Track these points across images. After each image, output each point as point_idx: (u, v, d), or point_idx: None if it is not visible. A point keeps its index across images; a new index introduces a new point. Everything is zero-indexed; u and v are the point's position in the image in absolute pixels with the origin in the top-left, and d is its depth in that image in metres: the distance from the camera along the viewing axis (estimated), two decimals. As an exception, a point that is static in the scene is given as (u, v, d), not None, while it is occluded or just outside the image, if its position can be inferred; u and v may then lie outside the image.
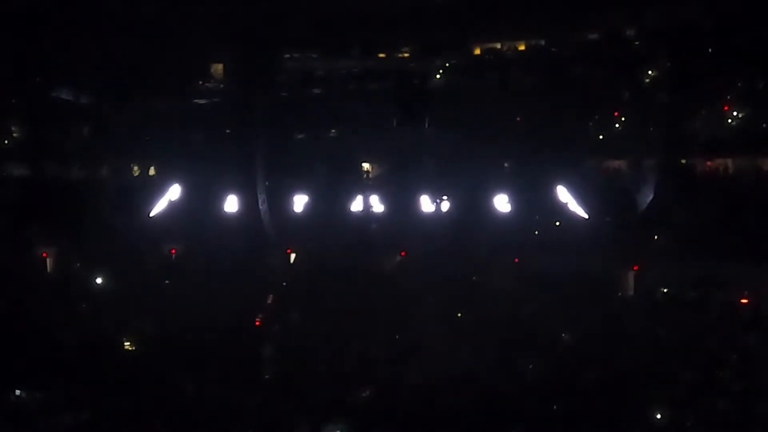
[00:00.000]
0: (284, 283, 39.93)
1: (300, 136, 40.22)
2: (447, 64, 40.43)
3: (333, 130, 39.81)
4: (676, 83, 38.08)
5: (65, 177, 40.81)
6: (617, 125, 39.23)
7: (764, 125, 37.55)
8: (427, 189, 38.22)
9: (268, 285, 39.73)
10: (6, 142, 41.37)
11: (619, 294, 38.63)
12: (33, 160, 41.00)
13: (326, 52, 40.52)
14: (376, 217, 39.13)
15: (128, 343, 37.65)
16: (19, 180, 40.99)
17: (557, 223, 38.78)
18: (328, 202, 39.10)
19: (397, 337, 38.14)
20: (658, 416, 32.55)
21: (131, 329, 37.75)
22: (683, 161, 38.41)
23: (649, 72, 38.86)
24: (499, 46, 40.94)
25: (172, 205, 38.56)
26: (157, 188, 38.90)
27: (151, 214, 38.38)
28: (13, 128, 41.39)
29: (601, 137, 39.30)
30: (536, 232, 39.27)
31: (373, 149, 40.46)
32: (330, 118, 39.89)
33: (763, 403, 31.94)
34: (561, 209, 38.30)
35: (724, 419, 32.18)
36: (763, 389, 32.55)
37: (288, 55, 40.80)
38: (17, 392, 34.75)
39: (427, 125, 39.08)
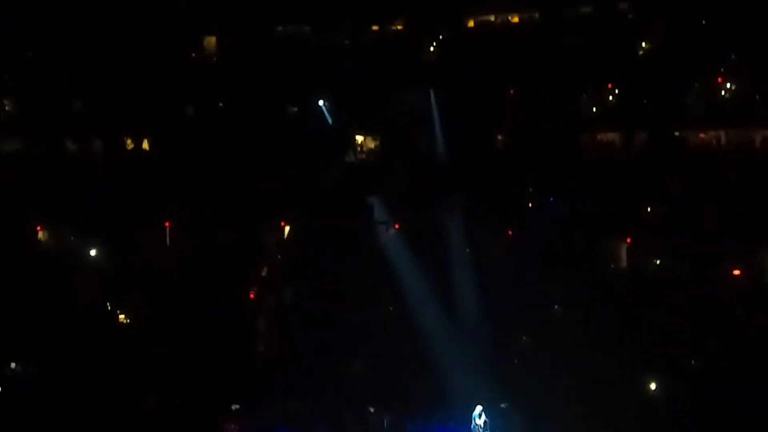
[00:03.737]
0: (279, 256, 40.00)
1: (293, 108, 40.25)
2: (440, 37, 40.45)
3: (325, 102, 39.70)
4: (669, 56, 38.07)
5: (59, 151, 40.76)
6: (611, 98, 39.27)
7: (758, 97, 37.53)
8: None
9: (262, 258, 39.84)
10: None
11: (612, 266, 38.78)
12: (26, 134, 40.94)
13: (319, 24, 40.49)
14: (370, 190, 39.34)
15: (123, 316, 37.79)
16: (12, 154, 40.95)
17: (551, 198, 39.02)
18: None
19: (391, 309, 38.37)
20: (652, 386, 32.65)
21: (126, 302, 37.86)
22: (676, 134, 38.42)
23: (643, 44, 38.86)
24: (492, 18, 40.85)
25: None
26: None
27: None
28: (5, 102, 41.32)
29: (594, 110, 39.34)
30: (529, 205, 39.43)
31: (366, 121, 40.53)
32: (322, 89, 39.80)
33: (753, 372, 32.13)
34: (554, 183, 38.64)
35: (715, 389, 32.41)
36: (753, 359, 32.72)
37: (281, 28, 40.83)
38: (12, 365, 34.89)
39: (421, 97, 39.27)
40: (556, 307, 37.10)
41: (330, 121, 39.83)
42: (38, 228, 39.99)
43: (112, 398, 32.70)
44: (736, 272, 36.50)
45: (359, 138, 41.18)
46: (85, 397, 32.81)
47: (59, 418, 31.76)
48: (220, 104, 40.76)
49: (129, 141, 40.94)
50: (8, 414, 32.29)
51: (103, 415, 31.73)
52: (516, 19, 40.70)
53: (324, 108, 39.76)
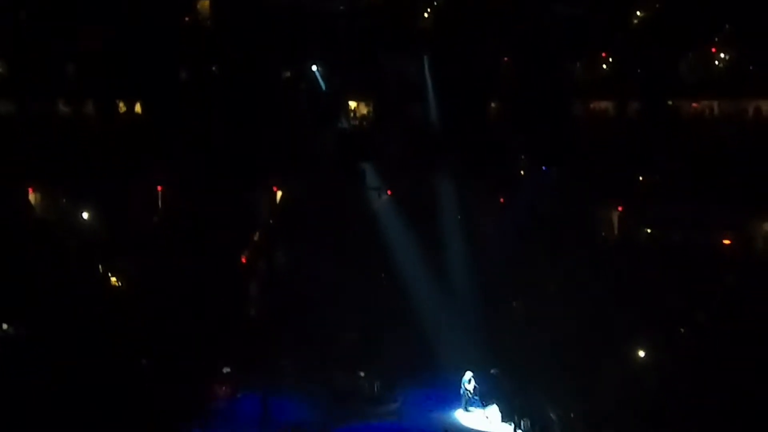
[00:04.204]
0: (271, 221, 40.02)
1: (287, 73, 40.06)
2: (435, 3, 40.29)
3: (319, 67, 39.53)
4: (664, 25, 38.01)
5: (51, 113, 40.58)
6: (604, 66, 39.25)
7: (751, 68, 37.56)
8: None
9: (254, 222, 39.88)
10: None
11: (603, 234, 38.94)
12: (18, 96, 40.74)
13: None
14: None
15: (114, 279, 37.78)
16: (4, 116, 40.74)
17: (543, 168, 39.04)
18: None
19: (382, 275, 38.47)
20: (641, 354, 32.79)
21: (117, 265, 37.83)
22: (669, 103, 38.47)
23: (638, 13, 38.80)
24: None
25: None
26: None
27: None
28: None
29: (588, 78, 39.33)
30: (522, 172, 39.51)
31: (360, 87, 40.42)
32: (315, 54, 39.61)
33: (742, 341, 32.27)
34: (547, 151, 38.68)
35: (704, 358, 32.54)
36: (742, 328, 32.86)
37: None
38: (3, 326, 34.84)
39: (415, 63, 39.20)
40: (546, 274, 37.21)
41: (323, 86, 39.71)
42: (30, 190, 39.88)
43: (104, 361, 32.62)
44: (727, 241, 36.72)
45: (352, 103, 41.12)
46: (77, 360, 32.72)
47: (50, 380, 31.66)
48: (213, 68, 40.51)
49: (121, 104, 40.73)
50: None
51: (95, 377, 31.68)
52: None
53: (317, 73, 39.63)
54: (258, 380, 34.13)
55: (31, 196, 39.92)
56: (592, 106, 39.94)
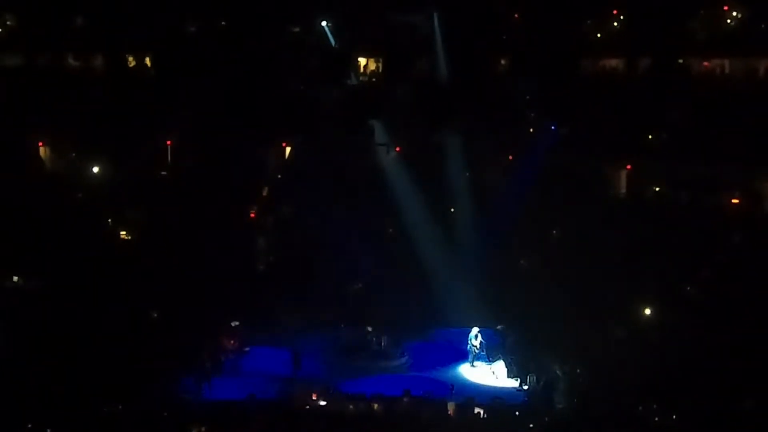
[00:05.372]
0: (279, 176, 40.13)
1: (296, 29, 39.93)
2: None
3: (329, 23, 39.37)
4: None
5: (60, 66, 40.54)
6: (615, 24, 39.04)
7: (763, 26, 37.31)
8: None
9: (263, 178, 39.98)
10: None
11: (611, 192, 38.97)
12: (27, 49, 40.68)
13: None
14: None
15: (124, 233, 37.97)
16: (14, 69, 40.72)
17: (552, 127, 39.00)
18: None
19: (390, 230, 38.62)
20: (647, 312, 32.91)
21: (127, 219, 38.02)
22: (680, 61, 38.29)
23: (649, -31, 38.56)
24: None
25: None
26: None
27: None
28: (7, 17, 40.97)
29: (598, 35, 39.15)
30: (531, 130, 39.48)
31: (369, 43, 40.30)
32: (325, 10, 39.45)
33: (746, 300, 32.38)
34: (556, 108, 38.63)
35: (709, 316, 32.68)
36: (746, 287, 32.96)
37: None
38: (14, 278, 35.07)
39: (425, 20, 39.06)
40: (554, 231, 37.30)
41: (333, 42, 39.60)
42: (40, 144, 39.98)
43: (114, 314, 32.86)
44: (735, 201, 36.72)
45: (362, 60, 41.03)
46: (86, 312, 32.96)
47: (59, 331, 31.91)
48: (223, 23, 40.40)
49: (131, 58, 40.67)
50: (7, 326, 32.45)
51: (105, 329, 31.94)
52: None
53: (327, 29, 39.49)
54: (265, 334, 34.46)
55: (42, 150, 40.06)
56: (602, 63, 39.77)
